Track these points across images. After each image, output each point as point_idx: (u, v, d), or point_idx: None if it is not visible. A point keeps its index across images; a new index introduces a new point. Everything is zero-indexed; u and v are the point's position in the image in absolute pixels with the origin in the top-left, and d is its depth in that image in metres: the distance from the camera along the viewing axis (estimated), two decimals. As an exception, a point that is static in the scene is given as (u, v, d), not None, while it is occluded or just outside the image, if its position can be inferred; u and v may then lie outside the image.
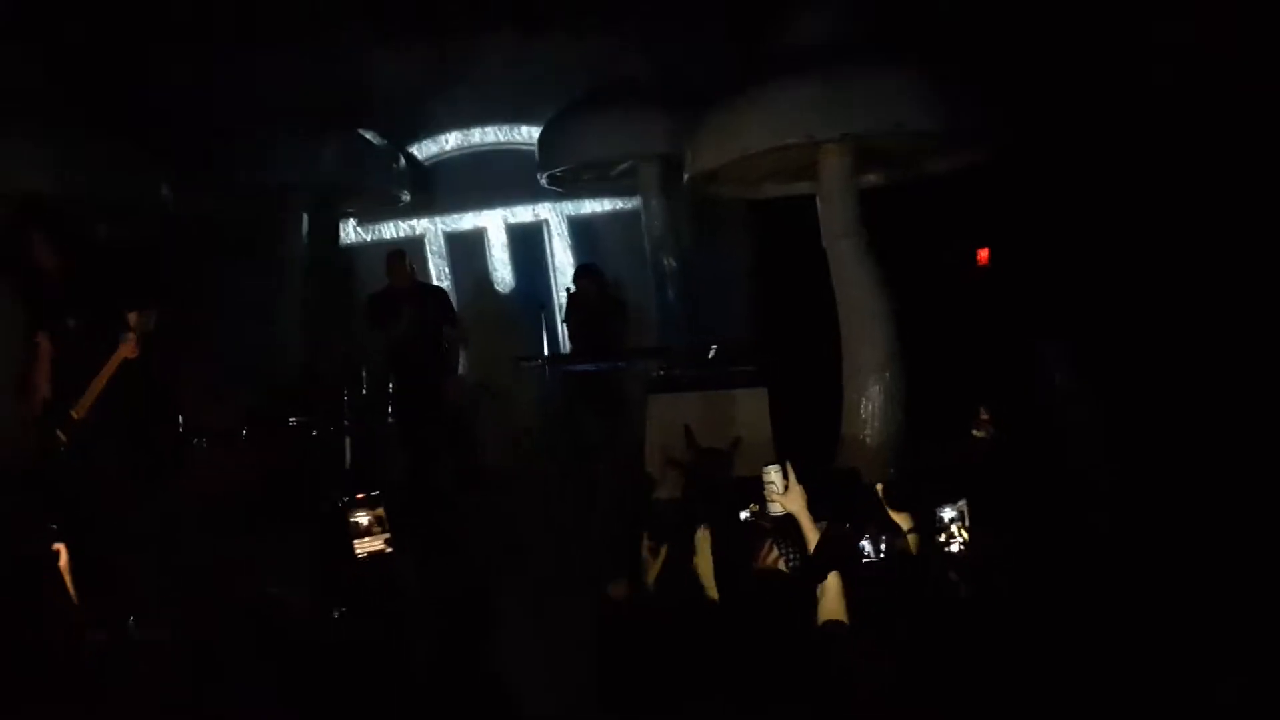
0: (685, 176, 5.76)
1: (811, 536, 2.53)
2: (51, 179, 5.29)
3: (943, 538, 2.95)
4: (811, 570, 2.41)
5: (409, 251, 6.50)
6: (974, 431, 4.91)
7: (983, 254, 6.62)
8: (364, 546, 3.42)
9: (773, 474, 2.61)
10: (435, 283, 7.22)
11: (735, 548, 2.72)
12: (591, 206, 7.71)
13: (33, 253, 4.17)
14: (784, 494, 2.59)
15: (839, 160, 5.23)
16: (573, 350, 6.59)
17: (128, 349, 3.93)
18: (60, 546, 2.92)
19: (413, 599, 3.24)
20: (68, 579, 2.91)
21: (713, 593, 2.65)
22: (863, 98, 4.97)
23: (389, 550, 3.38)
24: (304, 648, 3.02)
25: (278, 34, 6.71)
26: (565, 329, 6.79)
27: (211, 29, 6.59)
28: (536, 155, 7.27)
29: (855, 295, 5.29)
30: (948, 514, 2.98)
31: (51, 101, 5.48)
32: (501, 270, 7.66)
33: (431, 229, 7.64)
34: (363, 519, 3.44)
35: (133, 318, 3.95)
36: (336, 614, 3.17)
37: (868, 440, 5.22)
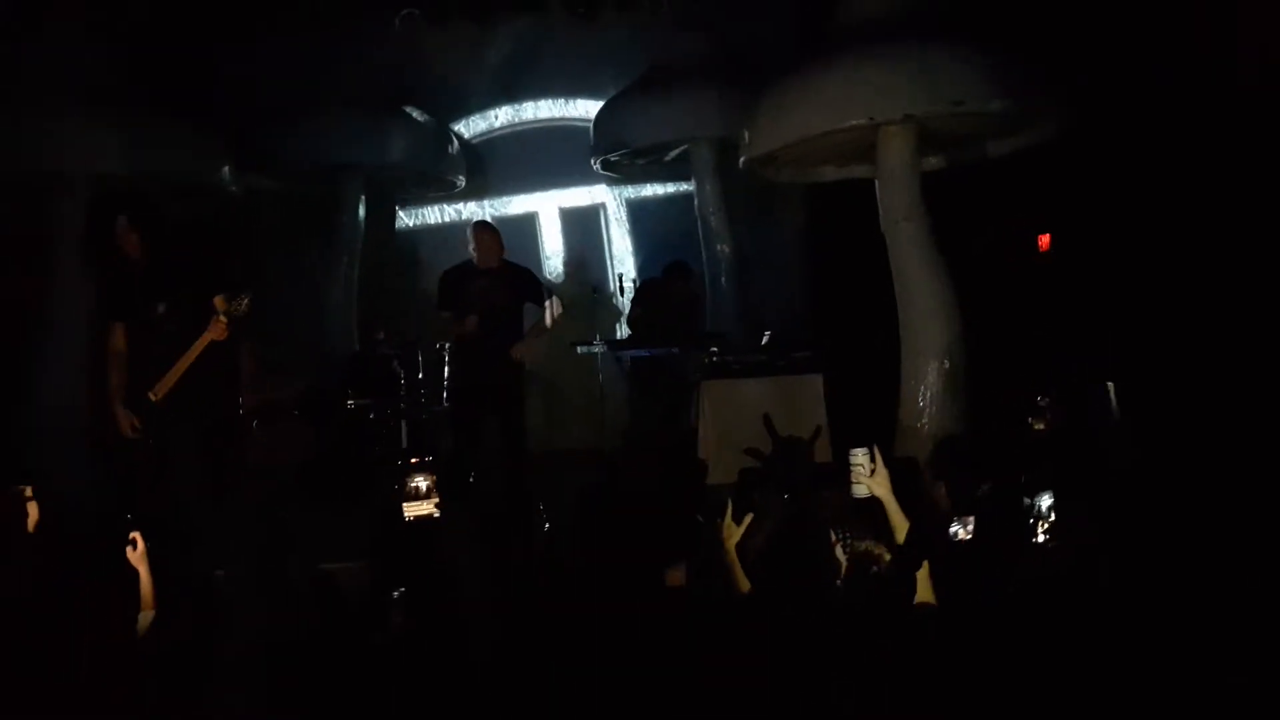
0: (741, 159, 5.70)
1: (897, 520, 2.52)
2: (122, 160, 5.39)
3: (1036, 525, 2.90)
4: (908, 557, 2.39)
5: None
6: (1032, 421, 4.82)
7: (1044, 240, 6.47)
8: (413, 510, 3.43)
9: (860, 456, 2.60)
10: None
11: (814, 535, 2.69)
12: (647, 190, 7.67)
13: (118, 238, 4.23)
14: (871, 477, 2.55)
15: (900, 142, 5.13)
16: (630, 336, 6.56)
17: (217, 332, 3.95)
18: (136, 535, 2.95)
19: (468, 579, 3.23)
20: (143, 569, 2.95)
21: (743, 583, 2.61)
22: (925, 78, 4.86)
23: (436, 515, 3.38)
24: (363, 625, 3.05)
25: (332, 16, 6.77)
26: (626, 315, 6.73)
27: (271, 12, 6.67)
28: (590, 139, 7.26)
29: (914, 280, 5.19)
30: (1044, 501, 2.93)
31: (120, 84, 5.57)
32: (554, 255, 7.66)
33: (480, 212, 7.61)
34: (417, 483, 3.45)
35: (219, 301, 3.98)
36: (396, 594, 3.18)
37: (925, 428, 5.12)
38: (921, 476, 4.71)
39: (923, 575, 2.36)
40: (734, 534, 2.64)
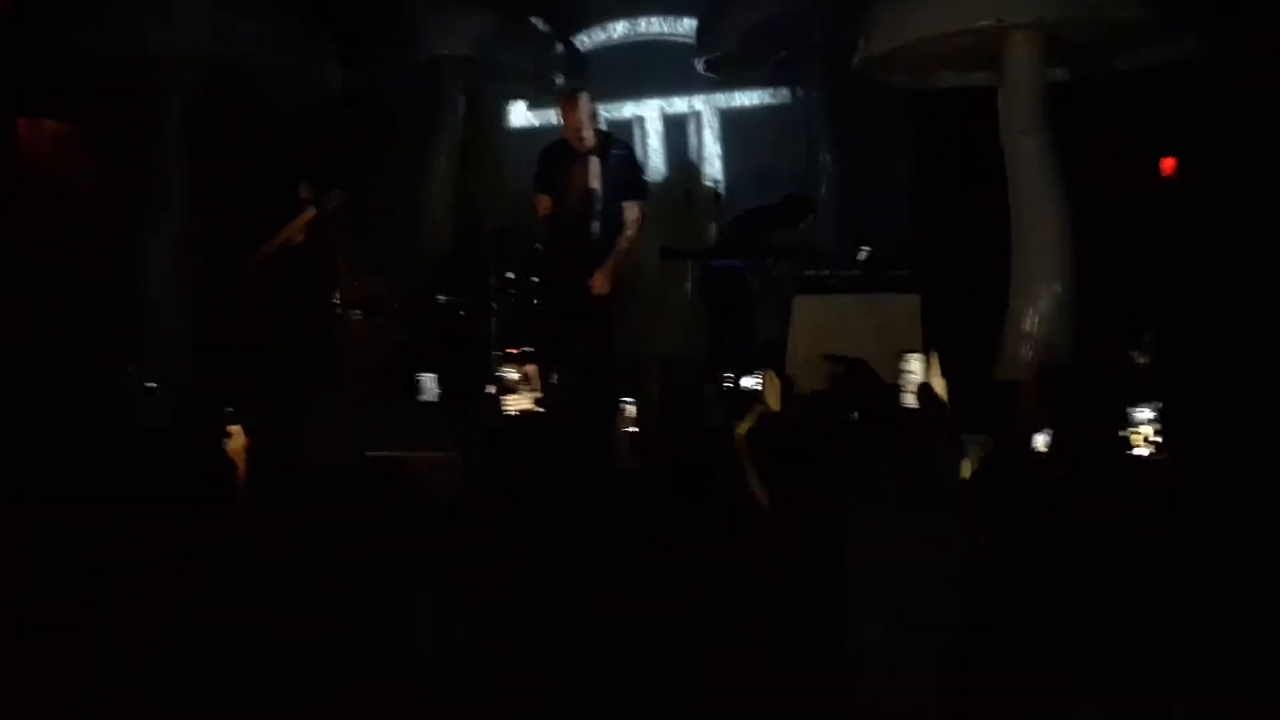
0: (856, 59, 5.45)
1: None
2: (222, 46, 5.39)
3: (1134, 437, 2.77)
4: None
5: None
6: (1135, 355, 4.60)
7: (1167, 164, 6.07)
8: (514, 403, 3.36)
9: (913, 362, 2.42)
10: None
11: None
12: (746, 100, 7.43)
13: (227, 131, 4.25)
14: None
15: (1028, 48, 4.84)
16: (720, 245, 6.43)
17: (301, 223, 3.97)
18: (236, 429, 2.97)
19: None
20: (240, 463, 2.97)
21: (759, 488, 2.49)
22: (1061, -21, 4.55)
23: (540, 410, 3.32)
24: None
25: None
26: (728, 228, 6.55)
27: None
28: (695, 40, 7.03)
29: (1032, 197, 4.95)
30: (1144, 414, 2.79)
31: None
32: (655, 160, 7.51)
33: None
34: (513, 375, 3.39)
35: (306, 189, 4.00)
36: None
37: (1030, 354, 4.94)
38: (1021, 401, 4.56)
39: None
40: (742, 424, 2.53)
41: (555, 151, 4.92)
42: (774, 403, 2.52)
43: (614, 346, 5.10)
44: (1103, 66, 5.50)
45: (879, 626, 1.29)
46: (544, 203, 4.80)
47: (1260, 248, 5.22)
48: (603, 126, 5.07)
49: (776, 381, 2.67)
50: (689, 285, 6.36)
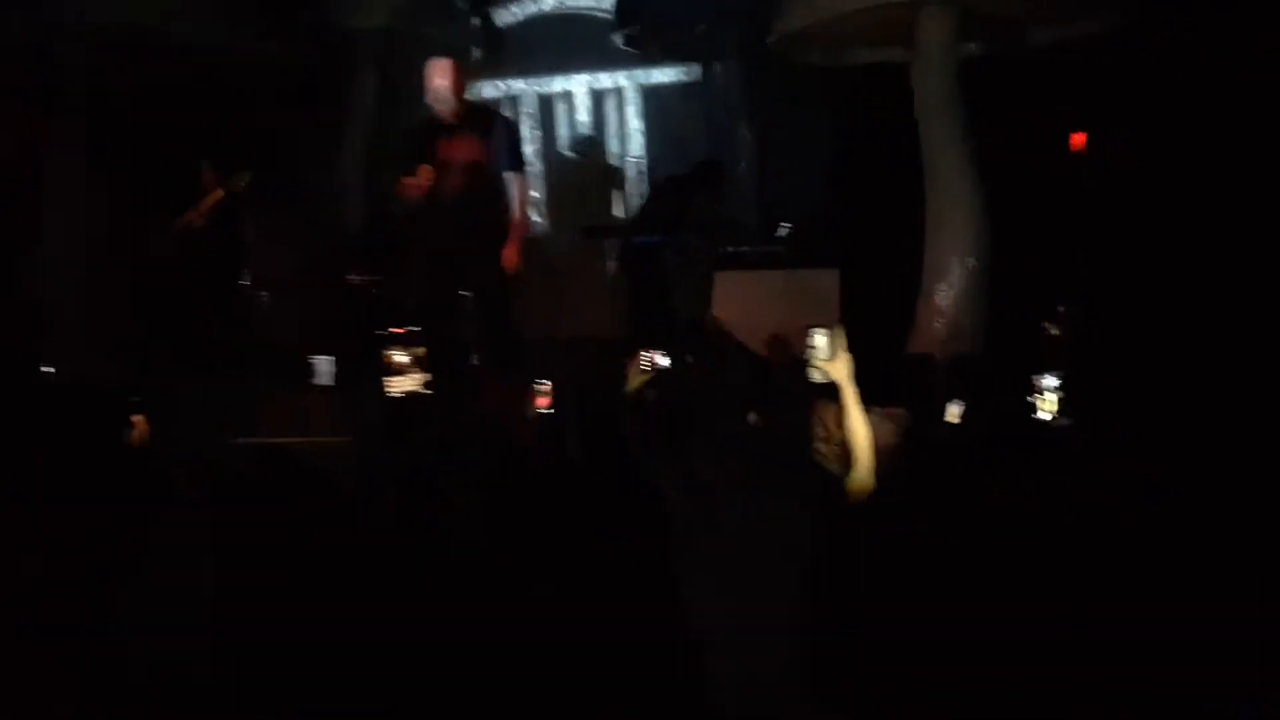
0: (771, 36, 5.42)
1: (854, 408, 2.27)
2: (125, 10, 5.16)
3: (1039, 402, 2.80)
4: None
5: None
6: (1048, 327, 4.68)
7: (1077, 139, 6.17)
8: (399, 385, 3.20)
9: (819, 337, 2.35)
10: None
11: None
12: (665, 77, 7.38)
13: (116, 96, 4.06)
14: (829, 360, 2.34)
15: (940, 22, 4.86)
16: (639, 221, 6.36)
17: (206, 206, 3.82)
18: (140, 419, 2.83)
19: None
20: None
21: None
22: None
23: (427, 393, 3.16)
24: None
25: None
26: (644, 203, 6.48)
27: None
28: (613, 14, 6.93)
29: (945, 172, 4.99)
30: (1049, 381, 2.82)
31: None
32: (581, 136, 7.42)
33: (522, 89, 7.38)
34: (400, 357, 3.25)
35: (210, 176, 3.85)
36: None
37: (943, 327, 4.99)
38: (935, 373, 4.62)
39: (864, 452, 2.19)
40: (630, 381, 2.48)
41: (423, 126, 4.49)
42: (632, 383, 2.46)
43: (516, 326, 4.78)
44: (1017, 41, 5.55)
45: (713, 610, 1.24)
46: (423, 174, 4.29)
47: (1171, 221, 5.34)
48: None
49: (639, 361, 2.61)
50: (611, 263, 6.31)
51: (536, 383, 3.87)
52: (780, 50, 5.55)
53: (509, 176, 4.50)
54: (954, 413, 3.33)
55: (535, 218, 5.52)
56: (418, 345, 3.33)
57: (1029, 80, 5.63)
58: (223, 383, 3.60)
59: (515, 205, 4.51)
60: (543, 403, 3.51)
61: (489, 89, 7.36)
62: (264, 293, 5.68)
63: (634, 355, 2.50)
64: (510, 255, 4.43)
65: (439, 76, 4.34)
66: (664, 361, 2.69)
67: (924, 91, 5.01)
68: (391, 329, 3.39)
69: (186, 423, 2.87)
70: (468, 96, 4.40)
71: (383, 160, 6.68)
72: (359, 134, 6.73)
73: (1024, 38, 5.53)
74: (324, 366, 4.00)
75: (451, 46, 7.01)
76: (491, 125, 4.52)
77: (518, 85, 7.44)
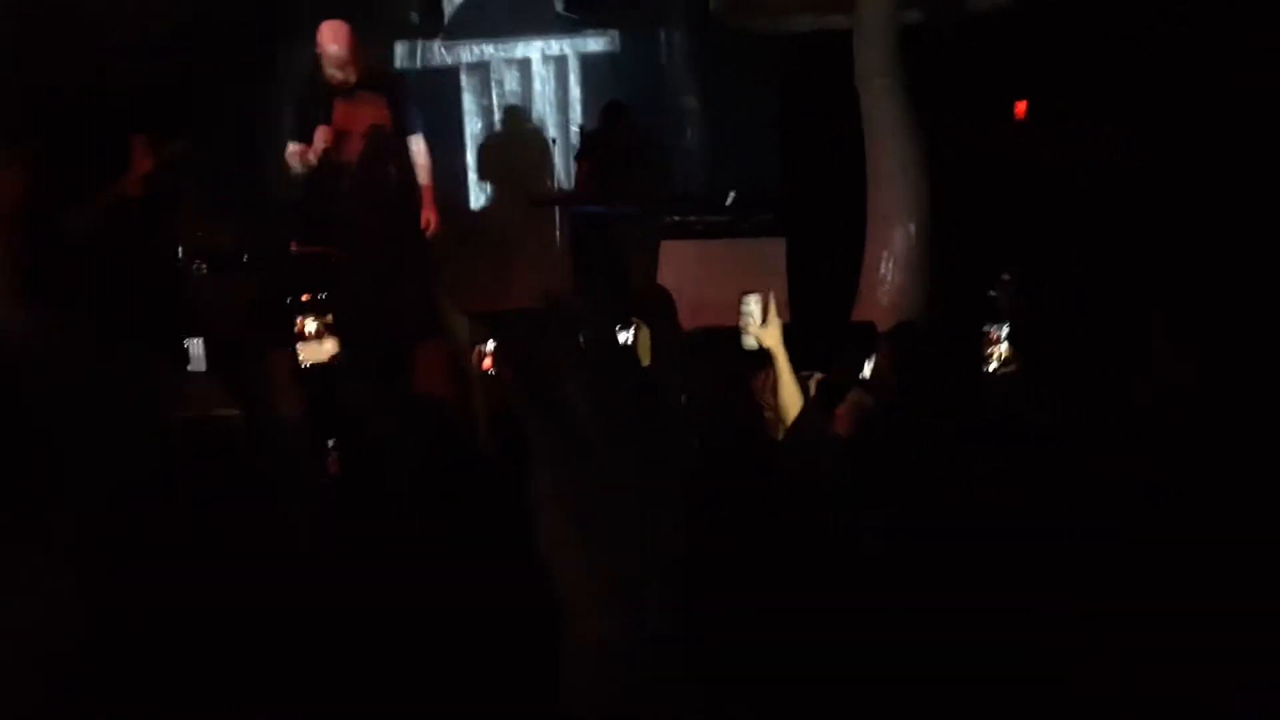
0: (712, 3, 5.38)
1: (786, 375, 2.28)
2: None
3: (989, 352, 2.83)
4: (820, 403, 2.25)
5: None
6: (991, 294, 4.75)
7: (1020, 106, 6.24)
8: (308, 353, 3.04)
9: (751, 304, 2.35)
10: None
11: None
12: (606, 44, 7.29)
13: (37, 61, 3.87)
14: (762, 326, 2.34)
15: (880, -10, 4.85)
16: (582, 192, 6.31)
17: (137, 175, 3.66)
18: None
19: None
20: None
21: None
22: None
23: (339, 363, 2.94)
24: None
25: None
26: (575, 168, 6.44)
27: None
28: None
29: (884, 139, 5.00)
30: (1002, 330, 2.86)
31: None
32: (509, 104, 7.32)
33: (450, 58, 7.19)
34: (309, 325, 3.08)
35: (140, 141, 3.68)
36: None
37: (885, 296, 5.04)
38: (875, 342, 4.66)
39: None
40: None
41: (317, 91, 4.33)
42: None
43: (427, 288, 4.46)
44: (956, 8, 5.58)
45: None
46: (320, 135, 4.16)
47: (1113, 185, 5.43)
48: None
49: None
50: (557, 233, 6.25)
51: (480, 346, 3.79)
52: (722, 17, 5.51)
53: (412, 139, 4.39)
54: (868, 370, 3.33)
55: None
56: (327, 313, 3.18)
57: (969, 48, 5.68)
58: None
59: (421, 168, 4.41)
60: (486, 365, 3.44)
61: (427, 55, 7.22)
62: (201, 265, 5.54)
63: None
64: (429, 217, 4.35)
65: (332, 40, 4.19)
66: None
67: (862, 59, 5.01)
68: (301, 296, 3.27)
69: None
70: (363, 60, 4.29)
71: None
72: (291, 100, 6.55)
73: (963, 5, 5.56)
74: (195, 350, 3.84)
75: (387, 10, 6.91)
76: (392, 88, 4.40)
77: (456, 51, 7.29)
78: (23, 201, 3.70)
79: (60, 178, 3.68)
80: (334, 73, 4.21)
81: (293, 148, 4.23)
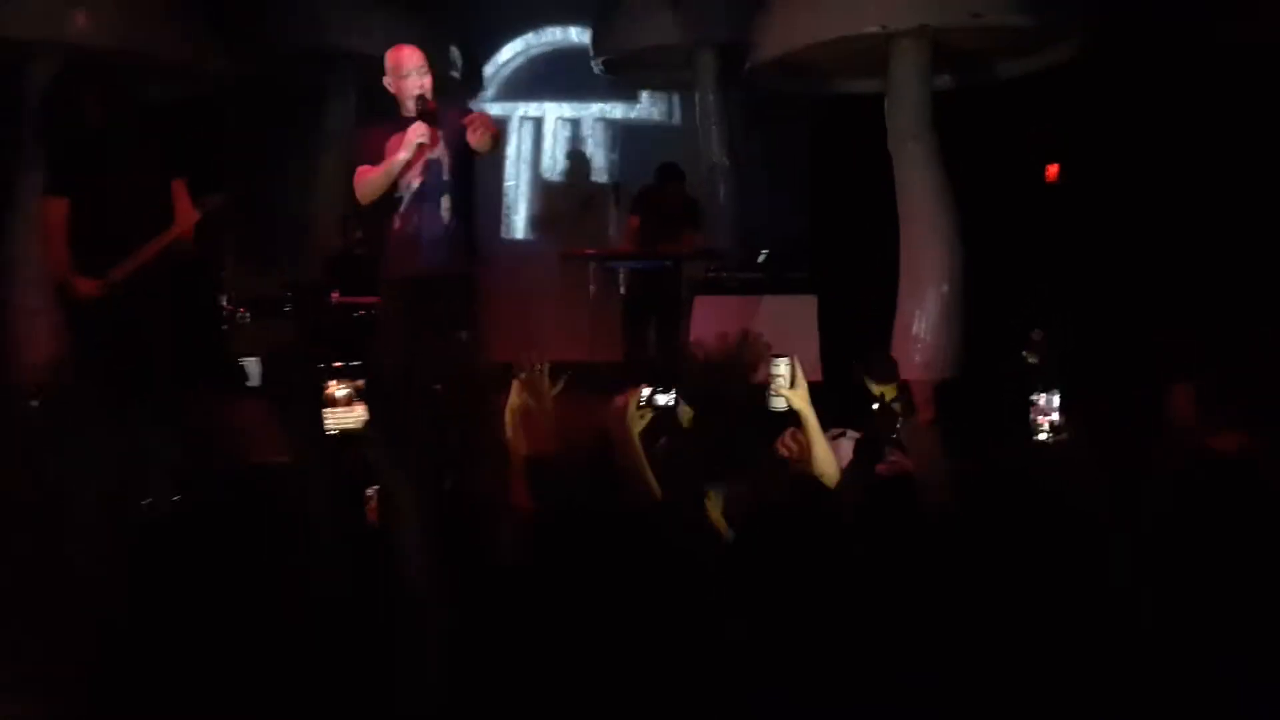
0: (747, 66, 5.50)
1: (817, 435, 2.36)
2: (102, 31, 5.12)
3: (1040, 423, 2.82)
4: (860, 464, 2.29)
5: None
6: (1025, 354, 4.75)
7: (1051, 170, 6.30)
8: (338, 420, 2.87)
9: (781, 366, 2.45)
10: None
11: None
12: (642, 101, 7.48)
13: (83, 111, 3.97)
14: (791, 389, 2.42)
15: (913, 55, 4.95)
16: (623, 248, 6.38)
17: (183, 227, 3.72)
18: None
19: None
20: None
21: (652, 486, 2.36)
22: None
23: (366, 433, 2.72)
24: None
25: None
26: (622, 225, 6.47)
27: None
28: (590, 42, 7.01)
29: (918, 202, 5.06)
30: (1053, 400, 2.85)
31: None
32: (554, 163, 7.49)
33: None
34: (339, 391, 2.98)
35: (182, 196, 3.76)
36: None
37: (919, 355, 5.06)
38: (910, 401, 4.66)
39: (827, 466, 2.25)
40: (635, 422, 2.37)
41: (380, 130, 3.71)
42: (634, 425, 2.47)
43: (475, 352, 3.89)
44: (986, 73, 5.68)
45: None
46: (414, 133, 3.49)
47: (1143, 244, 5.45)
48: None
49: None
50: (592, 287, 6.31)
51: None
52: (756, 79, 5.63)
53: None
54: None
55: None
56: (358, 379, 3.12)
57: (1002, 110, 5.76)
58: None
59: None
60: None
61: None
62: (244, 313, 5.67)
63: (631, 391, 2.47)
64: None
65: (404, 62, 3.66)
66: (663, 399, 2.61)
67: (896, 122, 5.09)
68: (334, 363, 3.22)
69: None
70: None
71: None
72: (335, 156, 6.73)
73: (993, 70, 5.66)
74: (251, 368, 3.84)
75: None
76: (457, 116, 3.68)
77: (496, 110, 7.49)
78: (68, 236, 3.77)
79: (105, 228, 3.80)
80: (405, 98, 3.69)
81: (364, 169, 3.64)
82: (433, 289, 3.56)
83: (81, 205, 3.68)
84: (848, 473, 2.27)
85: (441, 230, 3.55)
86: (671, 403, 2.61)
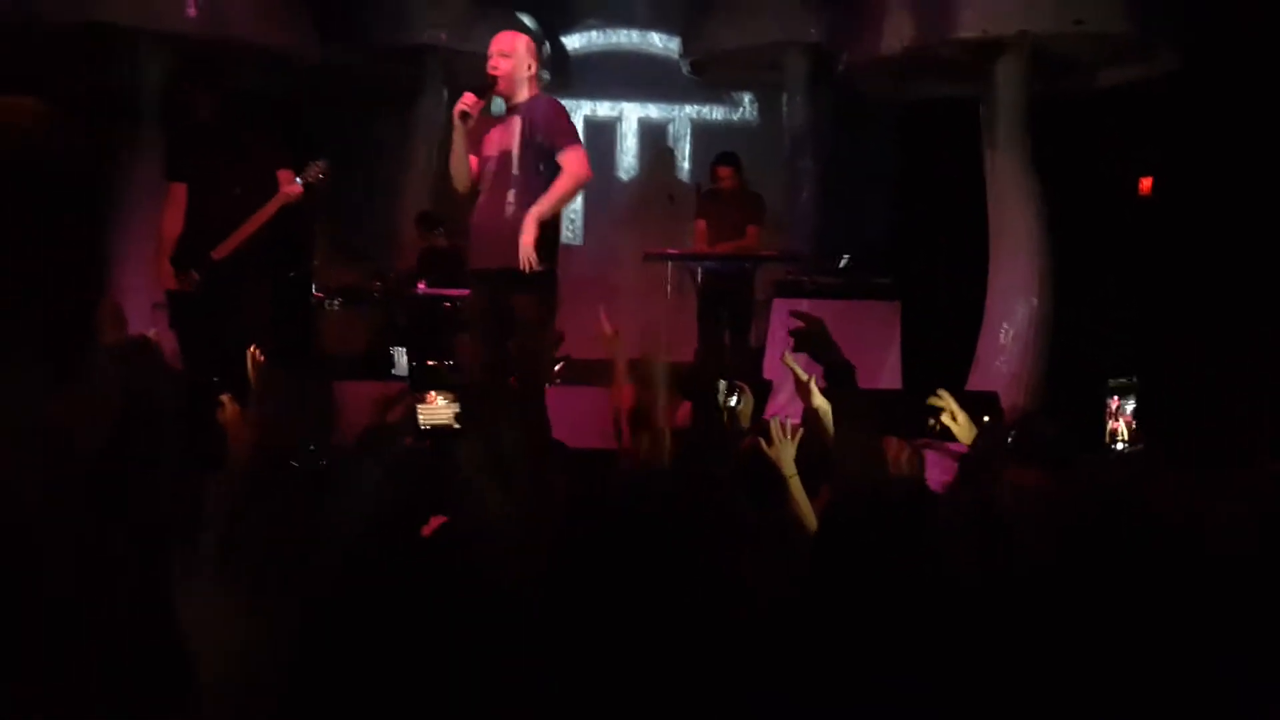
0: (840, 67, 5.46)
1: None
2: (201, 23, 5.31)
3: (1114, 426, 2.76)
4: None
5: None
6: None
7: (1145, 183, 6.12)
8: (429, 416, 2.75)
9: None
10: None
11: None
12: (728, 102, 7.47)
13: (193, 104, 4.14)
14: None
15: (1012, 61, 4.86)
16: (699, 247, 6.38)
17: (290, 194, 3.84)
18: (226, 397, 2.68)
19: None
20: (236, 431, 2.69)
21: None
22: (1046, -7, 4.58)
23: (457, 427, 2.62)
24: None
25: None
26: (695, 227, 6.51)
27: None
28: (679, 44, 7.03)
29: (1010, 211, 4.97)
30: (1128, 406, 2.79)
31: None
32: (630, 161, 7.52)
33: (573, 110, 7.49)
34: (439, 400, 2.97)
35: (285, 174, 3.89)
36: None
37: (1004, 366, 4.97)
38: (998, 412, 4.57)
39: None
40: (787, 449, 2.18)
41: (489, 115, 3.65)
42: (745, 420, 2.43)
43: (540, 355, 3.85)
44: (1086, 82, 5.54)
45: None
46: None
47: (1238, 263, 5.26)
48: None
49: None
50: (669, 287, 6.32)
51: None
52: (848, 81, 5.58)
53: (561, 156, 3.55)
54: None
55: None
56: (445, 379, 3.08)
57: (1100, 120, 5.61)
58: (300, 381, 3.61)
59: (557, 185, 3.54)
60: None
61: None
62: (335, 301, 5.81)
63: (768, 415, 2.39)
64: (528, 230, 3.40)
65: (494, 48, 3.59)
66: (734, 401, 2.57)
67: (991, 129, 5.01)
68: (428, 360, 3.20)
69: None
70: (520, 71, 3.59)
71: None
72: (427, 148, 6.86)
73: (1093, 79, 5.52)
74: (399, 359, 3.89)
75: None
76: (541, 108, 3.59)
77: (582, 109, 7.55)
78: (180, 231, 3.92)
79: (215, 215, 3.95)
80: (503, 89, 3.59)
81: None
82: (500, 282, 3.48)
83: (196, 192, 3.90)
84: (952, 489, 2.22)
85: (505, 223, 3.43)
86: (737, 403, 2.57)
